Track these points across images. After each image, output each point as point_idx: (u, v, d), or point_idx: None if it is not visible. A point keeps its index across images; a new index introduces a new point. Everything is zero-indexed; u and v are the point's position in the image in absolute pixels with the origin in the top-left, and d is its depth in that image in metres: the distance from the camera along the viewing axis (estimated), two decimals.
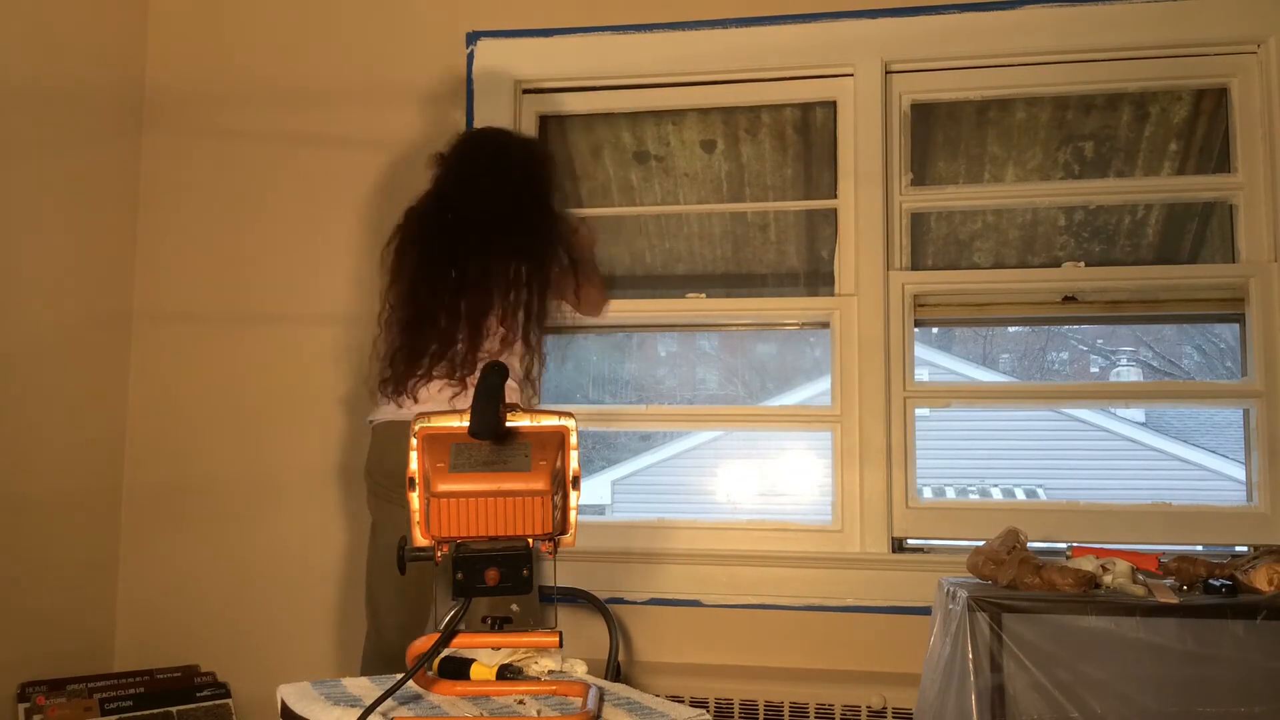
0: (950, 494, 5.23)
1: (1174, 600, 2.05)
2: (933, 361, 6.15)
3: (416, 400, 2.35)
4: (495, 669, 1.48)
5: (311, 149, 3.04)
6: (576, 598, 2.66)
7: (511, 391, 2.36)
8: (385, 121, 3.01)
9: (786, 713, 2.52)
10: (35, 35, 2.73)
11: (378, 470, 2.41)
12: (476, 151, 2.55)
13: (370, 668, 2.42)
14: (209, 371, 3.02)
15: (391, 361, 2.41)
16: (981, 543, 2.35)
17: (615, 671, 2.63)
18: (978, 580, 2.28)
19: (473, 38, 2.98)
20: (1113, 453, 6.51)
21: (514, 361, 2.40)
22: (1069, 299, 2.78)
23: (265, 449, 2.97)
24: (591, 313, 2.78)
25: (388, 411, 2.39)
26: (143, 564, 3.00)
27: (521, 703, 1.39)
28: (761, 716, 2.53)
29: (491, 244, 2.40)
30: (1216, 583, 2.13)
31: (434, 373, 2.34)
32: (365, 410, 2.91)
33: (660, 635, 2.75)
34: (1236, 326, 2.76)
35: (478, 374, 2.25)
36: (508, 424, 1.28)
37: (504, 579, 1.21)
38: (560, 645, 1.33)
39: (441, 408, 2.29)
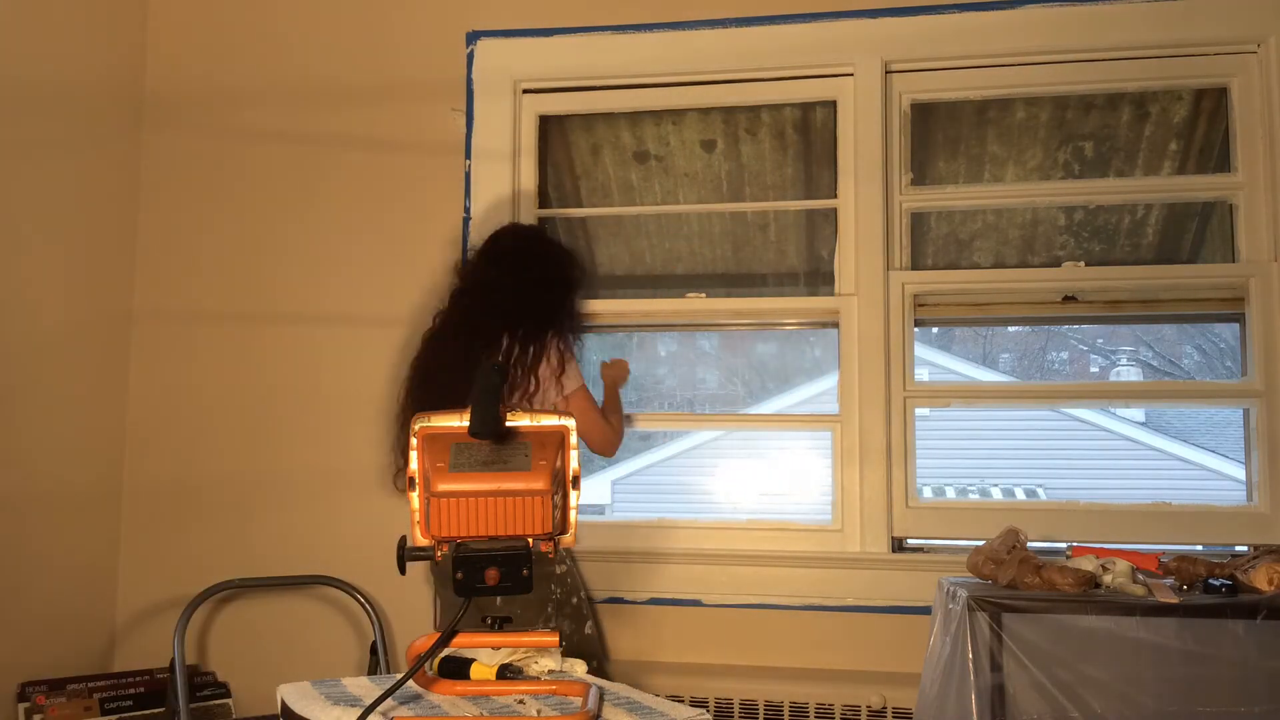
0: (950, 494, 5.23)
1: (1174, 600, 2.05)
2: (933, 361, 6.15)
3: None
4: (495, 669, 1.48)
5: (311, 148, 3.04)
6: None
7: None
8: (385, 121, 3.01)
9: (786, 713, 2.52)
10: (35, 35, 2.73)
11: (439, 572, 2.45)
12: (499, 250, 2.58)
13: None
14: (209, 371, 3.02)
15: (406, 451, 2.43)
16: (981, 542, 2.35)
17: (385, 667, 2.72)
18: (978, 580, 2.28)
19: (473, 37, 2.98)
20: (1113, 453, 6.51)
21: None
22: (1069, 299, 2.78)
23: (265, 449, 2.97)
24: (599, 447, 2.59)
25: None
26: (143, 564, 3.00)
27: (521, 702, 1.39)
28: (761, 716, 2.53)
29: (503, 327, 2.42)
30: (1216, 582, 2.13)
31: None
32: (366, 411, 2.92)
33: (660, 635, 2.75)
34: (1236, 326, 2.76)
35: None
36: (508, 424, 1.28)
37: (504, 579, 1.21)
38: (561, 645, 1.33)
39: None
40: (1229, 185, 2.71)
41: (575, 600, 2.39)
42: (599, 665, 2.45)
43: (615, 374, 2.78)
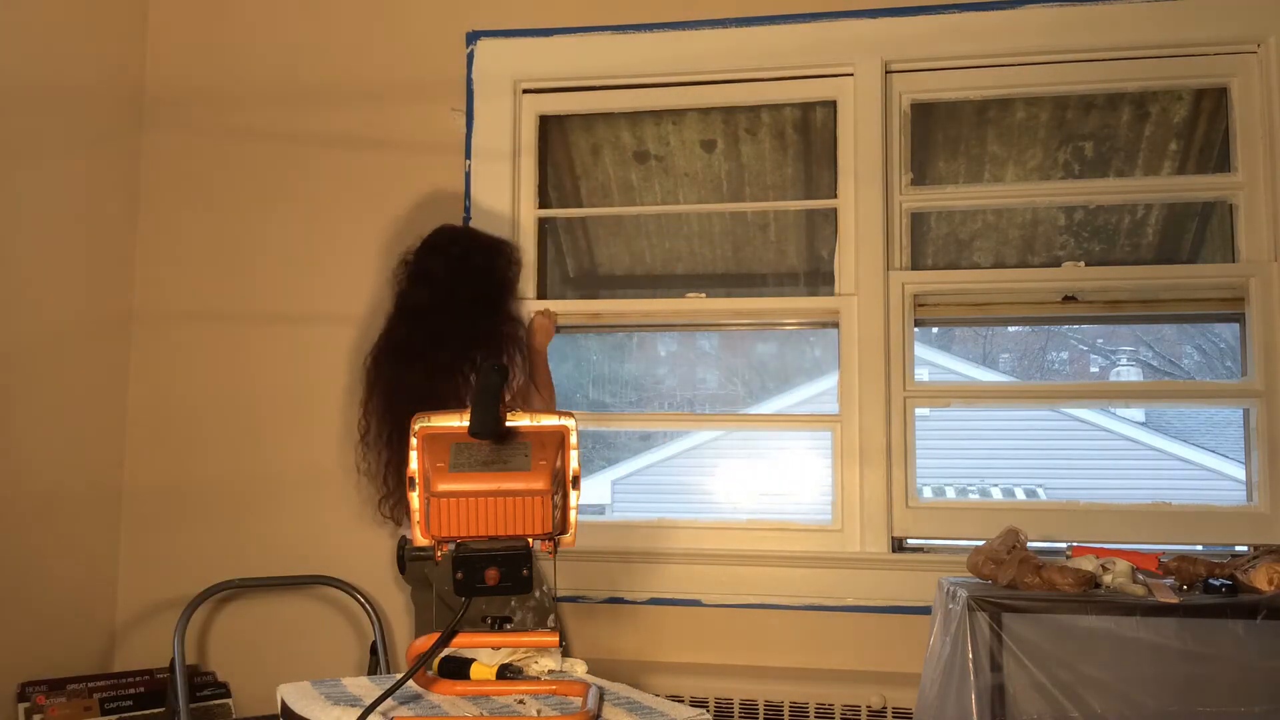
0: (950, 494, 5.22)
1: (1174, 600, 2.05)
2: (933, 361, 6.14)
3: None
4: (495, 669, 1.48)
5: (311, 148, 3.04)
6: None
7: None
8: (385, 121, 3.01)
9: (786, 713, 2.52)
10: (35, 35, 2.73)
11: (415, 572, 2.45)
12: (438, 255, 2.58)
13: None
14: (209, 371, 3.02)
15: (384, 479, 2.46)
16: (981, 542, 2.35)
17: (386, 666, 2.71)
18: (978, 580, 2.28)
19: (473, 37, 2.98)
20: (1113, 453, 6.51)
21: None
22: (1069, 298, 2.78)
23: (265, 449, 2.97)
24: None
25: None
26: (143, 564, 3.00)
27: (521, 702, 1.39)
28: (761, 716, 2.53)
29: (458, 348, 2.43)
30: (1216, 582, 2.13)
31: None
32: None
33: (660, 635, 2.75)
34: (1236, 326, 2.76)
35: None
36: (508, 424, 1.28)
37: (504, 579, 1.21)
38: (561, 645, 1.33)
39: None
40: (1229, 185, 2.71)
41: (538, 594, 2.40)
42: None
43: (539, 337, 2.73)
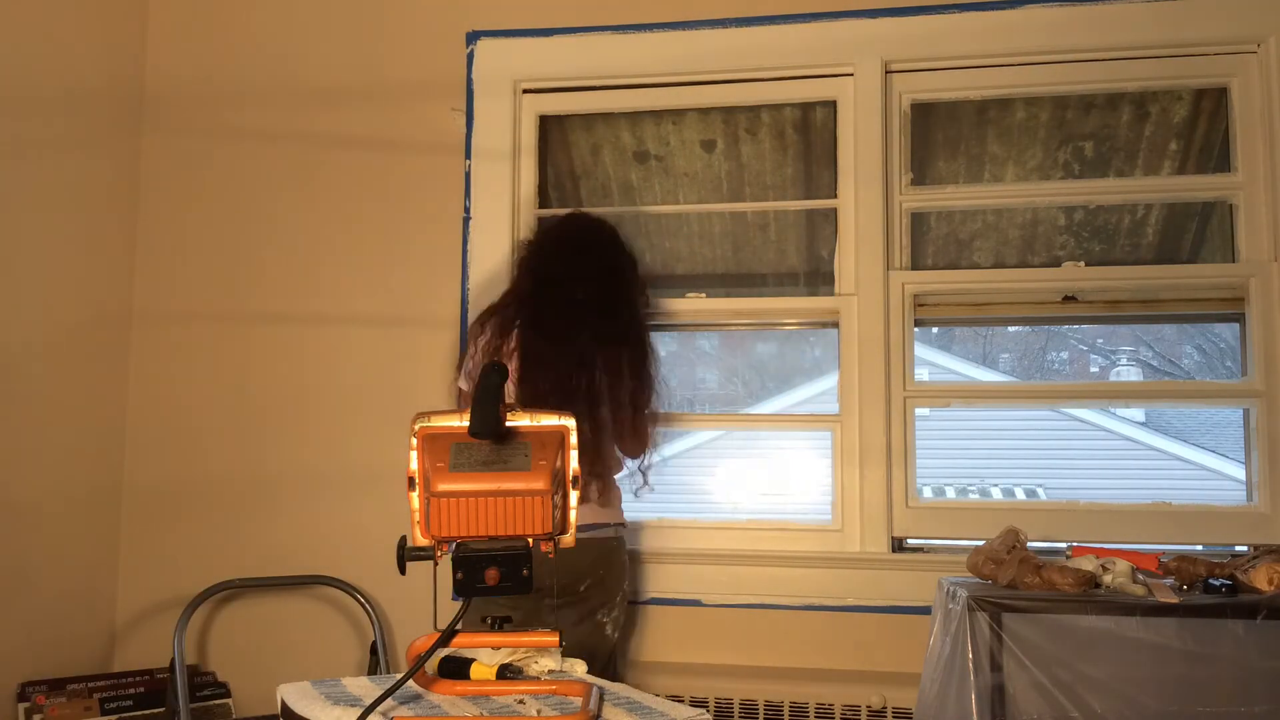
0: (950, 494, 5.23)
1: (1174, 600, 2.05)
2: (933, 361, 6.14)
3: None
4: (495, 668, 1.48)
5: (311, 148, 3.04)
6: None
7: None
8: (385, 121, 3.01)
9: (786, 713, 2.52)
10: (35, 35, 2.73)
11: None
12: (572, 236, 2.53)
13: None
14: (209, 371, 3.02)
15: None
16: (981, 542, 2.35)
17: (385, 667, 2.70)
18: (978, 580, 2.28)
19: (473, 37, 2.98)
20: (1113, 453, 6.51)
21: (632, 449, 2.45)
22: (1069, 298, 2.78)
23: (265, 448, 2.97)
24: (631, 449, 2.50)
25: None
26: (143, 564, 3.00)
27: (521, 702, 1.39)
28: (761, 716, 2.53)
29: (599, 331, 2.36)
30: (1216, 582, 2.13)
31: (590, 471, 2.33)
32: (365, 411, 2.92)
33: (660, 635, 2.75)
34: (1236, 326, 2.76)
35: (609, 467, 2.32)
36: (507, 423, 1.28)
37: (504, 579, 1.21)
38: (561, 645, 1.33)
39: (589, 507, 2.33)
40: (1229, 185, 2.71)
41: (619, 596, 2.41)
42: (613, 661, 2.44)
43: None
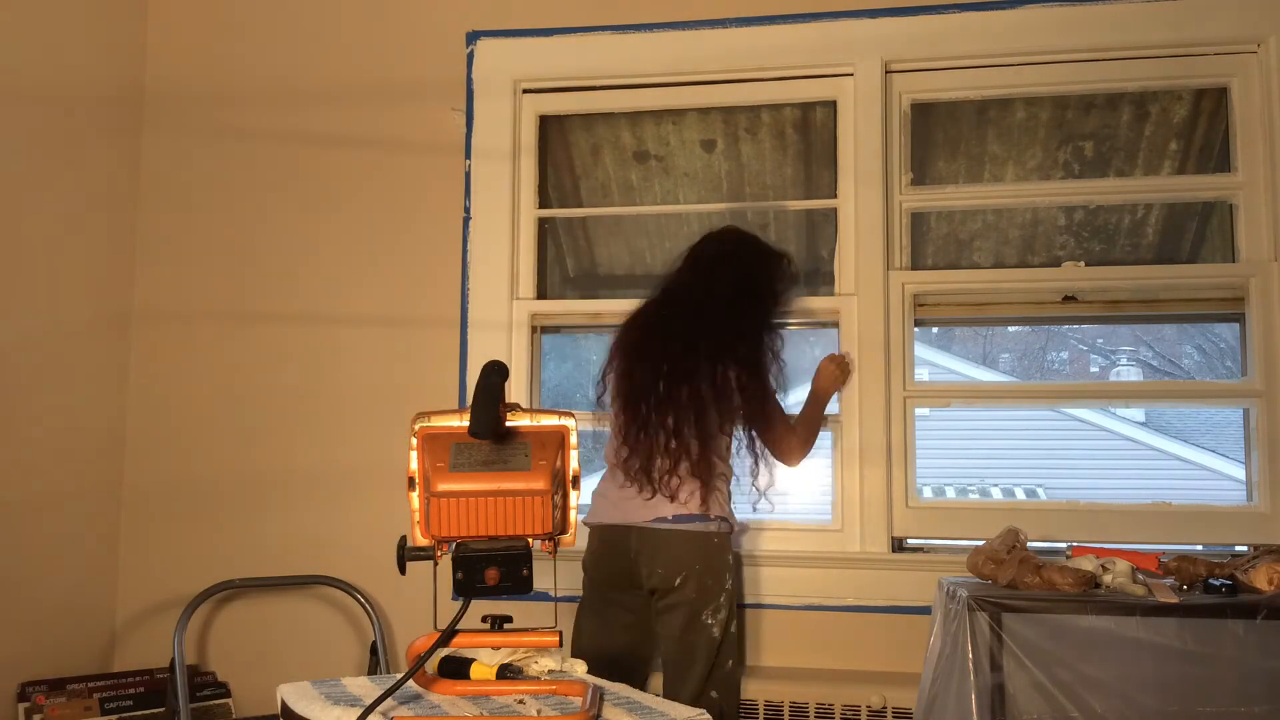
0: (950, 494, 5.22)
1: (1174, 600, 2.05)
2: (933, 361, 6.14)
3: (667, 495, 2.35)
4: (495, 668, 1.48)
5: (311, 148, 3.04)
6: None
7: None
8: (385, 121, 3.01)
9: (786, 712, 2.52)
10: (35, 35, 2.73)
11: (595, 570, 2.43)
12: (712, 241, 2.54)
13: None
14: (208, 371, 3.02)
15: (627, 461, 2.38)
16: (981, 542, 2.35)
17: (385, 666, 2.70)
18: (978, 580, 2.28)
19: (473, 37, 2.98)
20: (1113, 453, 6.51)
21: (786, 458, 2.48)
22: (1069, 298, 2.78)
23: (265, 448, 2.97)
24: (784, 458, 2.51)
25: (606, 513, 2.42)
26: (143, 564, 3.00)
27: (521, 702, 1.39)
28: (761, 716, 2.52)
29: (711, 336, 2.39)
30: (1216, 582, 2.13)
31: (678, 472, 2.34)
32: (366, 411, 2.92)
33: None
34: (1236, 326, 2.76)
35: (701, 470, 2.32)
36: (507, 423, 1.28)
37: (504, 578, 1.21)
38: (560, 645, 1.33)
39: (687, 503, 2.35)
40: (1229, 185, 2.71)
41: (723, 595, 2.38)
42: (733, 665, 2.41)
43: (823, 381, 2.67)
